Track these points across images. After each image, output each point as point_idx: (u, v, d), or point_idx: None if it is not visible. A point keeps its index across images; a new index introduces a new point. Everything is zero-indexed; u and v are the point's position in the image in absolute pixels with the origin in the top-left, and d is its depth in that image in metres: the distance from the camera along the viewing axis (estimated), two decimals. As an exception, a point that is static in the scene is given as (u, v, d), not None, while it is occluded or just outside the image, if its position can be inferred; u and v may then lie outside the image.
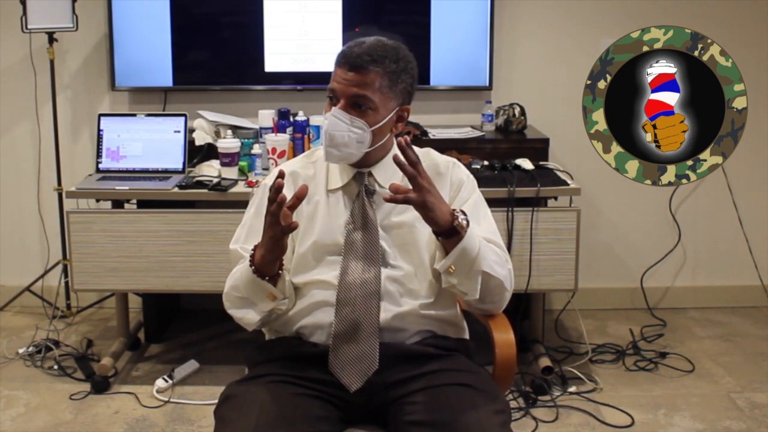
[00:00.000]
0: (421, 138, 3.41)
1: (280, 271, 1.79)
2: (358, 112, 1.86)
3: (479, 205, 1.95)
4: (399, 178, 1.94)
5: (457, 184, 1.96)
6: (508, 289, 1.88)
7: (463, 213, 1.77)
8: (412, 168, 1.70)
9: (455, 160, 2.01)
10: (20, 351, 3.41)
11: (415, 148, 2.01)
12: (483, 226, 1.91)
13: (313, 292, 1.87)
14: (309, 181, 1.95)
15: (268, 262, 1.75)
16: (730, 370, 3.33)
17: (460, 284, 1.81)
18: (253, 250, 1.79)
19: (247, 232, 1.92)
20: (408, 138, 1.72)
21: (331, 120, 1.84)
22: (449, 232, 1.75)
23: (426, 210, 1.72)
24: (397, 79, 1.88)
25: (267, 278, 1.77)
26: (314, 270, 1.89)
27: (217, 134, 3.38)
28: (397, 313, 1.86)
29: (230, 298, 1.86)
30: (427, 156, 2.00)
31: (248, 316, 1.84)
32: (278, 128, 3.25)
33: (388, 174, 1.94)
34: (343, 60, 1.86)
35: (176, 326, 3.75)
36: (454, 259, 1.77)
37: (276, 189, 1.65)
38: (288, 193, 1.93)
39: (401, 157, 1.69)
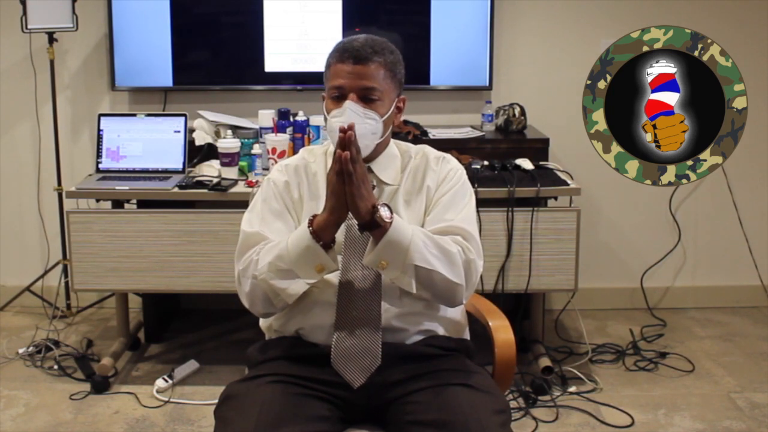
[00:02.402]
0: (421, 138, 3.41)
1: (332, 244, 1.79)
2: (367, 103, 1.87)
3: (458, 195, 1.94)
4: (397, 172, 1.95)
5: (443, 175, 1.97)
6: (460, 282, 1.82)
7: (387, 206, 1.76)
8: (354, 153, 1.71)
9: (447, 155, 2.02)
10: (20, 351, 3.41)
11: (412, 146, 2.03)
12: (456, 216, 1.89)
13: (313, 291, 1.87)
14: (312, 177, 1.96)
15: (331, 224, 1.76)
16: (730, 370, 3.33)
17: (396, 280, 1.79)
18: (311, 218, 1.79)
19: (261, 217, 1.91)
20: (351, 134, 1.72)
21: (348, 113, 1.84)
22: (371, 226, 1.75)
23: (353, 198, 1.72)
24: (395, 69, 1.91)
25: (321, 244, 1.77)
26: None
27: (217, 134, 3.38)
28: (397, 313, 1.86)
29: (273, 269, 1.80)
30: (421, 151, 2.01)
31: (293, 287, 1.80)
32: (278, 128, 3.26)
33: (387, 168, 1.95)
34: (345, 54, 1.87)
35: (176, 326, 3.75)
36: (380, 251, 1.75)
37: (343, 144, 1.69)
38: (294, 188, 1.94)
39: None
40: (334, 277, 1.86)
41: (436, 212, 1.91)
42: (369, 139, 1.87)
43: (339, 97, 1.88)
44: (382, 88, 1.88)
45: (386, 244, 1.74)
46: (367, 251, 1.79)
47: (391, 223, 1.74)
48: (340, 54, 1.88)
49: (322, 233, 1.77)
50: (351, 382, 1.80)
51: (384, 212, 1.74)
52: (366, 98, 1.87)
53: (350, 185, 1.71)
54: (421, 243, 1.77)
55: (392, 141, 2.01)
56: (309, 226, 1.78)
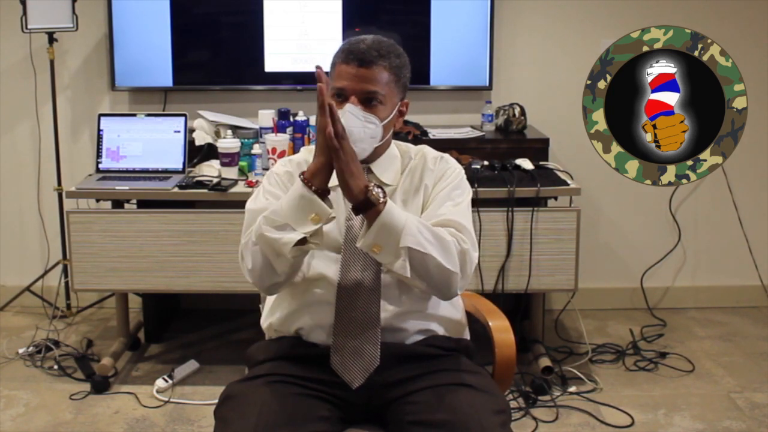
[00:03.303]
0: (421, 138, 3.41)
1: (326, 192, 1.74)
2: (369, 107, 1.86)
3: (454, 191, 1.93)
4: (397, 173, 1.95)
5: (441, 173, 1.96)
6: (454, 270, 1.78)
7: (380, 188, 1.74)
8: (340, 128, 1.70)
9: (445, 155, 2.01)
10: (20, 351, 3.41)
11: (412, 146, 2.03)
12: (451, 210, 1.88)
13: (313, 291, 1.87)
14: None
15: (321, 167, 1.72)
16: (730, 370, 3.33)
17: (390, 264, 1.76)
18: (302, 173, 1.76)
19: (267, 202, 1.88)
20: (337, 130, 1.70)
21: (347, 117, 1.82)
22: (364, 206, 1.72)
23: (343, 175, 1.70)
24: (400, 73, 1.90)
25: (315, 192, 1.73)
26: (312, 263, 1.88)
27: (217, 134, 3.38)
28: (397, 313, 1.86)
29: (268, 222, 1.76)
30: (420, 152, 2.01)
31: (288, 236, 1.73)
32: (278, 128, 3.26)
33: (387, 169, 1.95)
34: (350, 56, 1.85)
35: (176, 326, 3.75)
36: (374, 234, 1.72)
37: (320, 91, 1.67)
38: (296, 178, 1.92)
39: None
40: (333, 278, 1.86)
41: (432, 207, 1.91)
42: (367, 143, 1.87)
43: (341, 99, 1.87)
44: (384, 92, 1.87)
45: (380, 226, 1.72)
46: (360, 235, 1.76)
47: (384, 203, 1.72)
48: (345, 55, 1.86)
49: (314, 179, 1.73)
50: (350, 383, 1.80)
51: (377, 191, 1.72)
52: (367, 101, 1.86)
53: (338, 161, 1.69)
54: (415, 228, 1.75)
55: (393, 142, 2.00)
56: (300, 176, 1.75)
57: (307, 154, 2.01)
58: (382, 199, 1.72)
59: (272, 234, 1.74)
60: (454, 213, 1.88)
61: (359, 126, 1.83)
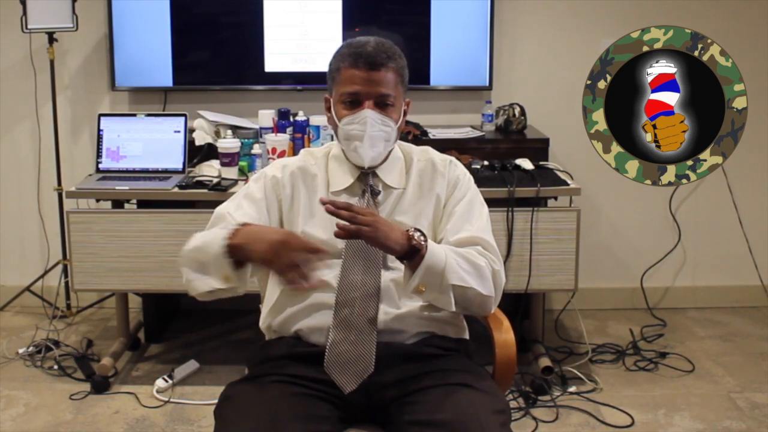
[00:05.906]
0: (421, 138, 3.41)
1: (246, 262, 1.71)
2: (383, 110, 1.87)
3: (473, 204, 1.94)
4: (401, 174, 1.95)
5: (453, 182, 1.96)
6: (490, 294, 1.84)
7: (419, 231, 1.75)
8: (346, 212, 1.67)
9: (452, 158, 2.01)
10: (20, 351, 3.41)
11: (414, 147, 2.03)
12: (475, 226, 1.90)
13: (314, 294, 1.87)
14: (313, 179, 1.95)
15: (249, 251, 1.69)
16: (730, 370, 3.33)
17: (434, 300, 1.81)
18: (241, 225, 1.74)
19: (237, 202, 1.90)
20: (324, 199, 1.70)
21: (370, 122, 1.84)
22: (410, 254, 1.74)
23: (379, 241, 1.70)
24: (404, 74, 1.91)
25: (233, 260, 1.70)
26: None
27: (217, 134, 3.38)
28: (396, 315, 1.86)
29: (190, 256, 1.77)
30: (425, 154, 2.00)
31: (197, 284, 1.75)
32: (278, 128, 3.26)
33: (391, 172, 1.95)
34: (360, 60, 1.84)
35: (176, 326, 3.75)
36: (420, 277, 1.75)
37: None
38: (287, 186, 1.93)
39: (340, 223, 1.66)
40: (333, 280, 1.86)
41: (453, 222, 1.91)
42: (383, 147, 1.88)
43: (353, 103, 1.87)
44: (395, 94, 1.88)
45: (425, 269, 1.75)
46: (404, 280, 1.78)
47: (426, 246, 1.74)
48: (353, 59, 1.85)
49: (238, 253, 1.70)
50: (342, 387, 1.79)
51: (417, 235, 1.74)
52: (381, 104, 1.86)
53: (369, 241, 1.69)
54: (455, 262, 1.78)
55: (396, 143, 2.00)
56: (228, 239, 1.70)
57: (307, 157, 2.01)
58: (424, 243, 1.74)
59: (187, 274, 1.75)
60: (479, 230, 1.90)
61: (377, 130, 1.85)
